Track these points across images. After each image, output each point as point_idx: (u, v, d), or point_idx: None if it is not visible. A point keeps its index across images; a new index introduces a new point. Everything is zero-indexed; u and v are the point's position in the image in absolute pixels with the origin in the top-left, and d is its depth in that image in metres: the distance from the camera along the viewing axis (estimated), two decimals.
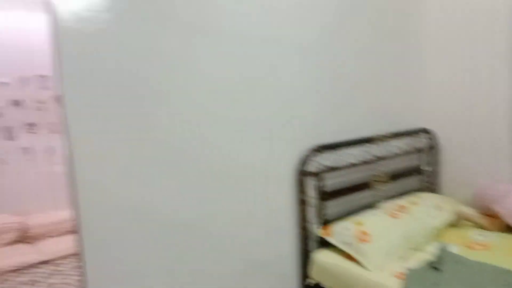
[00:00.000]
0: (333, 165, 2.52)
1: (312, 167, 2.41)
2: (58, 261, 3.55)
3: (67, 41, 1.57)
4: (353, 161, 2.63)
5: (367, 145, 2.71)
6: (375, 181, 2.76)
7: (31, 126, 4.28)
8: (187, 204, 1.97)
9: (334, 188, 2.53)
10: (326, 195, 2.47)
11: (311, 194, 2.42)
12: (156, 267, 1.88)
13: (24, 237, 3.94)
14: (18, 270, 3.41)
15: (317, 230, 2.43)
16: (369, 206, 2.69)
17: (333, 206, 2.53)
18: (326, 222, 2.45)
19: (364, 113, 2.79)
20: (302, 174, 2.36)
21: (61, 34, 1.56)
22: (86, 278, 1.65)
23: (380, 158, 2.79)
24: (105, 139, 1.68)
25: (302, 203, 2.37)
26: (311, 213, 2.41)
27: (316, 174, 2.42)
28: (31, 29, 4.13)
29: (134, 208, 1.78)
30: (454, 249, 2.27)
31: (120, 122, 1.72)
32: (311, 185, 2.41)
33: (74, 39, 1.59)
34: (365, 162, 2.70)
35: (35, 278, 3.26)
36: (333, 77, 2.57)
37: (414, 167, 3.06)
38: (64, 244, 3.69)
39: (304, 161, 2.36)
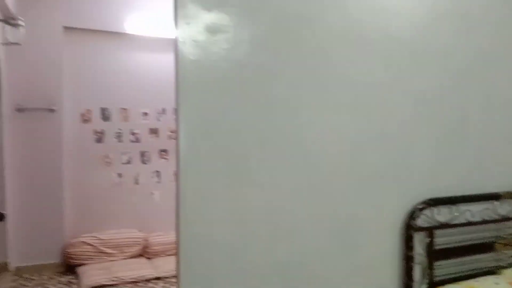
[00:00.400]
0: (448, 222, 2.31)
1: (422, 221, 2.25)
2: (170, 279, 3.84)
3: (186, 82, 1.75)
4: (472, 218, 2.38)
5: (493, 202, 2.44)
6: (499, 243, 2.45)
7: (163, 152, 4.78)
8: (285, 248, 1.98)
9: (447, 246, 2.31)
10: (436, 254, 2.27)
11: (419, 251, 2.25)
12: None
13: (145, 252, 4.35)
14: (136, 282, 3.78)
15: None
16: (488, 272, 2.39)
17: (444, 267, 2.30)
18: (434, 284, 2.24)
19: (492, 166, 2.51)
20: (410, 229, 2.21)
21: (181, 76, 1.75)
22: None
23: (507, 218, 2.48)
24: (210, 175, 1.81)
25: (408, 260, 2.21)
26: (418, 272, 2.24)
27: (426, 230, 2.25)
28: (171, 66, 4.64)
29: (230, 245, 1.86)
30: None
31: (226, 163, 1.83)
32: (419, 241, 2.24)
33: (192, 81, 1.76)
34: (488, 221, 2.42)
35: None
36: (457, 125, 2.37)
37: None
38: None
39: (414, 214, 2.21)
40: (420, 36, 2.23)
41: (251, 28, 1.84)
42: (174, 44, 1.73)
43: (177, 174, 1.75)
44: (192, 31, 1.73)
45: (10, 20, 3.07)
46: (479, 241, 2.40)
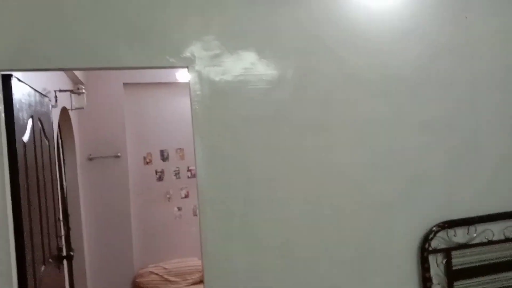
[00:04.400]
0: (466, 242, 2.43)
1: (439, 243, 2.39)
2: None
3: (200, 130, 2.12)
4: (493, 238, 2.46)
5: None
6: None
7: None
8: (300, 278, 2.24)
9: (467, 266, 2.41)
10: (455, 274, 2.39)
11: (438, 272, 2.38)
12: None
13: None
14: None
15: None
16: None
17: (465, 287, 2.40)
18: None
19: (506, 186, 2.57)
20: (425, 251, 2.35)
21: (196, 126, 2.11)
22: None
23: None
24: (227, 213, 2.14)
25: (425, 281, 2.35)
26: None
27: (442, 251, 2.39)
28: None
29: (249, 275, 2.17)
30: None
31: (240, 202, 2.16)
32: (437, 263, 2.38)
33: (205, 130, 2.12)
34: (510, 239, 2.49)
35: None
36: (468, 149, 2.50)
37: None
38: None
39: (429, 237, 2.36)
40: (418, 71, 2.42)
41: (257, 83, 2.16)
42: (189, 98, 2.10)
43: (198, 214, 2.10)
44: (203, 95, 2.10)
45: (74, 90, 3.68)
46: (501, 260, 2.47)
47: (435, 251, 2.38)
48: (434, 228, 2.38)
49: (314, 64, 2.25)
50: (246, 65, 2.13)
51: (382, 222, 2.36)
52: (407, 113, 2.41)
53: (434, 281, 2.38)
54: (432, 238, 2.37)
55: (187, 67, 2.04)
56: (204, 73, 2.07)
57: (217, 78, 2.10)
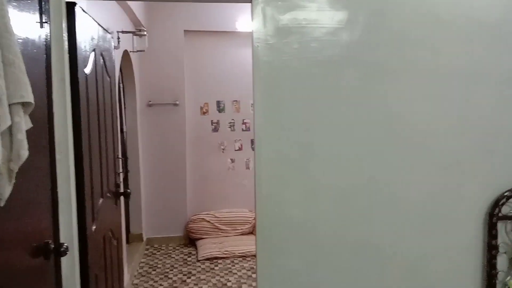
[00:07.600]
0: None
1: (511, 210, 2.19)
2: None
3: (261, 80, 2.03)
4: None
5: None
6: None
7: None
8: (357, 230, 2.15)
9: None
10: None
11: (506, 241, 2.20)
12: (319, 280, 2.13)
13: (254, 230, 4.77)
14: (244, 256, 4.21)
15: (509, 281, 2.18)
16: None
17: None
18: None
19: None
20: (496, 217, 2.17)
21: (257, 75, 2.02)
22: (257, 276, 2.07)
23: None
24: (284, 160, 2.06)
25: (491, 249, 2.18)
26: (504, 263, 2.19)
27: None
28: None
29: (303, 224, 2.09)
30: None
31: (298, 150, 2.06)
32: (506, 231, 2.20)
33: (266, 79, 2.02)
34: None
35: (254, 266, 3.95)
36: None
37: None
38: None
39: (500, 202, 2.17)
40: (508, 16, 2.13)
41: (324, 22, 2.00)
42: (251, 47, 2.01)
43: (254, 160, 2.04)
44: (266, 34, 1.98)
45: (136, 32, 3.68)
46: None
47: (506, 217, 2.19)
48: (506, 193, 2.18)
49: (388, 2, 2.05)
50: (314, 1, 1.97)
51: (449, 180, 2.19)
52: (489, 63, 2.15)
53: (501, 249, 2.20)
54: (503, 204, 2.17)
55: (251, 1, 1.92)
56: (268, 9, 1.95)
57: (281, 15, 1.97)
